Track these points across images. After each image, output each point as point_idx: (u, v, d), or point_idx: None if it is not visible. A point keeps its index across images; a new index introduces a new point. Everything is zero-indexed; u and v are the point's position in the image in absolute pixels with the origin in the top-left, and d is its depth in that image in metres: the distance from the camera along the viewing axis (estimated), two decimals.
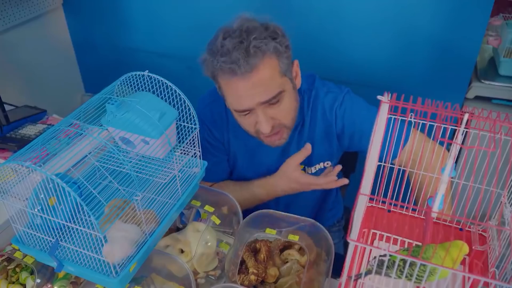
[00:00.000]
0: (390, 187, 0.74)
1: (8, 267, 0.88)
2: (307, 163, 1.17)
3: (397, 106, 0.67)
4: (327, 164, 1.19)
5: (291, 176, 1.08)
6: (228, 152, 1.20)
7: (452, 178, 0.68)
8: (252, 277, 0.84)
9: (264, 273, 0.86)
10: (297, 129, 1.14)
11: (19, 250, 0.84)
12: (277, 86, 0.97)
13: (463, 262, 0.72)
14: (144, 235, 0.76)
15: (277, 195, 1.14)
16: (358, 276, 0.66)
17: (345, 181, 1.05)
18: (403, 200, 0.76)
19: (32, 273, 0.86)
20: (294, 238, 0.88)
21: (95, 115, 0.78)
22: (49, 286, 0.84)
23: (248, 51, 0.92)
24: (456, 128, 0.64)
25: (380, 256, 0.66)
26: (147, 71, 0.82)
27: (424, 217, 0.80)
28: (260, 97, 0.96)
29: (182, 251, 0.90)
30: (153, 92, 0.84)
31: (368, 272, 0.66)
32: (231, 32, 0.95)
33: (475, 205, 0.71)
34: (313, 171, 1.19)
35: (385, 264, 0.63)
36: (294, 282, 0.86)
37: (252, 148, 1.16)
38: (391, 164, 0.76)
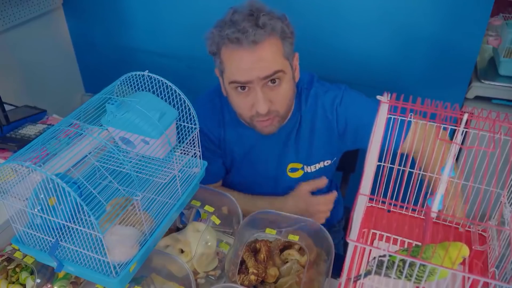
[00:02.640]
0: (390, 187, 0.74)
1: (8, 267, 0.88)
2: (307, 162, 1.17)
3: (396, 106, 0.67)
4: (327, 163, 1.19)
5: (304, 199, 1.12)
6: (224, 152, 1.20)
7: (451, 178, 0.68)
8: (252, 277, 0.84)
9: (264, 273, 0.86)
10: (295, 128, 1.14)
11: (19, 250, 0.84)
12: (278, 65, 0.98)
13: (462, 262, 0.72)
14: (143, 235, 0.76)
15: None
16: (358, 278, 0.66)
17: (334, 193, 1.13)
18: (403, 200, 0.76)
19: (32, 273, 0.86)
20: (294, 238, 0.88)
21: (95, 115, 0.78)
22: (49, 286, 0.84)
23: (257, 24, 0.94)
24: (455, 128, 0.64)
25: (380, 256, 0.66)
26: (147, 71, 0.82)
27: (424, 217, 0.80)
28: (261, 71, 0.96)
29: (182, 251, 0.91)
30: (153, 92, 0.84)
31: (368, 273, 0.66)
32: (240, 8, 0.97)
33: (475, 205, 0.71)
34: (313, 170, 1.19)
35: (385, 264, 0.63)
36: (294, 282, 0.86)
37: (249, 145, 1.16)
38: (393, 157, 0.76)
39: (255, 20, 0.94)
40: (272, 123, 1.05)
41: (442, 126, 0.64)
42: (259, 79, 0.97)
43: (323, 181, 1.15)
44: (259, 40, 0.94)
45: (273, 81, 0.99)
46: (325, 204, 1.12)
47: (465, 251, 0.60)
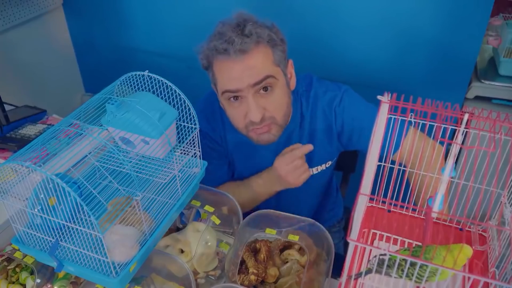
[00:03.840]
0: (390, 187, 0.74)
1: (8, 267, 0.88)
2: (309, 164, 1.17)
3: (397, 106, 0.67)
4: (329, 164, 1.19)
5: (276, 160, 1.06)
6: (227, 153, 1.20)
7: (452, 178, 0.68)
8: (252, 277, 0.84)
9: (264, 273, 0.86)
10: (296, 131, 1.14)
11: (19, 250, 0.84)
12: (268, 71, 0.98)
13: None
14: (143, 235, 0.76)
15: (274, 188, 1.12)
16: (359, 275, 0.66)
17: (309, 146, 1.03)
18: (403, 200, 0.76)
19: (32, 273, 0.86)
20: (294, 238, 0.88)
21: (95, 115, 0.78)
22: (49, 286, 0.84)
23: (243, 33, 0.95)
24: (456, 128, 0.64)
25: (381, 255, 0.66)
26: (147, 71, 0.82)
27: (424, 217, 0.80)
28: (251, 78, 0.96)
29: (182, 251, 0.90)
30: (153, 92, 0.84)
31: (369, 271, 0.66)
32: (228, 20, 0.98)
33: (475, 205, 0.71)
34: (315, 172, 1.19)
35: (385, 263, 0.63)
36: (294, 282, 0.86)
37: (249, 149, 1.16)
38: (392, 158, 0.76)
39: (241, 30, 0.95)
40: (270, 131, 1.04)
41: (439, 141, 0.64)
42: (250, 86, 0.96)
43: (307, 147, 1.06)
44: (247, 49, 0.94)
45: (265, 88, 0.99)
46: (289, 161, 1.03)
47: (468, 250, 0.60)
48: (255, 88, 0.97)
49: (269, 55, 0.98)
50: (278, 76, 1.00)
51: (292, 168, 1.04)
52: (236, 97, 1.00)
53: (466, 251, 0.60)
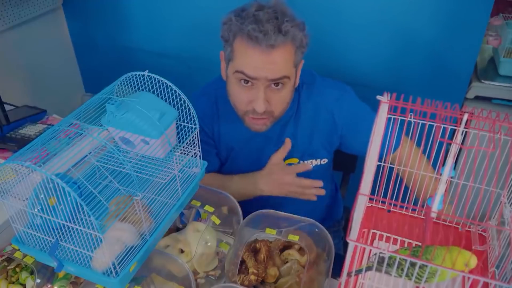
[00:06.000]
0: (390, 187, 0.74)
1: (8, 267, 0.88)
2: (305, 157, 1.17)
3: (396, 106, 0.67)
4: (324, 161, 1.19)
5: (276, 177, 1.09)
6: (219, 145, 1.20)
7: (451, 178, 0.68)
8: (252, 277, 0.84)
9: (264, 273, 0.86)
10: (290, 121, 1.15)
11: (19, 250, 0.84)
12: (287, 71, 0.99)
13: None
14: (143, 235, 0.76)
15: (250, 195, 1.13)
16: (358, 271, 0.66)
17: (321, 191, 1.08)
18: (403, 200, 0.76)
19: (32, 273, 0.86)
20: (294, 238, 0.88)
21: (95, 115, 0.78)
22: (49, 286, 0.84)
23: (280, 28, 0.95)
24: (455, 128, 0.64)
25: (381, 253, 0.66)
26: (147, 71, 0.82)
27: (424, 217, 0.80)
28: (270, 73, 0.97)
29: (182, 251, 0.90)
30: (153, 92, 0.84)
31: (369, 269, 0.66)
32: (265, 7, 0.98)
33: (475, 205, 0.71)
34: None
35: (385, 261, 0.63)
36: (294, 282, 0.86)
37: (243, 139, 1.17)
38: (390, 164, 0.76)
39: (279, 24, 0.95)
40: (265, 123, 1.06)
41: (438, 141, 0.64)
42: (266, 79, 0.98)
43: (286, 143, 1.10)
44: (278, 44, 0.95)
45: (276, 84, 1.00)
46: (297, 185, 1.08)
47: (467, 255, 0.59)
48: (269, 82, 0.99)
49: (292, 55, 0.99)
50: (291, 77, 1.02)
51: (298, 192, 1.09)
52: (247, 81, 1.00)
53: (465, 256, 0.59)
